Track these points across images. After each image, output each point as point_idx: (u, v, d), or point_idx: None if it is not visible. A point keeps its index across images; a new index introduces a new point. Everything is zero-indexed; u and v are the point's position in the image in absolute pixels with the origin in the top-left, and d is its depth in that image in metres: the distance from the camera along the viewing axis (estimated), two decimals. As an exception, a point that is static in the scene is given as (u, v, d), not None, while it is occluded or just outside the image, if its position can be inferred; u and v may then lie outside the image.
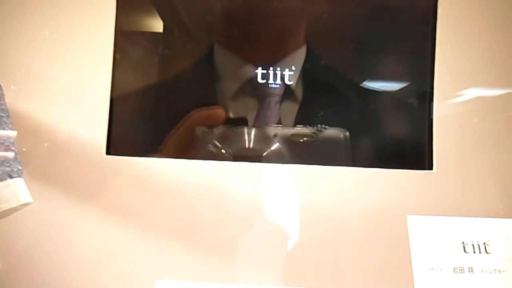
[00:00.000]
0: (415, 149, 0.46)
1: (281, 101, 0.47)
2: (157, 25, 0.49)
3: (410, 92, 0.48)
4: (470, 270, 0.39)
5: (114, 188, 0.43)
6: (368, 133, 0.47)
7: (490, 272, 0.39)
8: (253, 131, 0.46)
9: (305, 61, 0.48)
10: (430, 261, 0.39)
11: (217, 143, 0.45)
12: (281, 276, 0.43)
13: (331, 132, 0.45)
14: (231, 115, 0.47)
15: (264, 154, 0.45)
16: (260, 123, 0.46)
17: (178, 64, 0.49)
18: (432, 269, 0.39)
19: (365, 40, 0.48)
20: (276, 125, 0.47)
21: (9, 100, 0.39)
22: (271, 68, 0.47)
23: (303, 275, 0.43)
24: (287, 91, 0.47)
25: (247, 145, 0.45)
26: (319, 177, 0.44)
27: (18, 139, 0.38)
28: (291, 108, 0.48)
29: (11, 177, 0.35)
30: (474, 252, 0.39)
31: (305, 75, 0.48)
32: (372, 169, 0.44)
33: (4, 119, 0.37)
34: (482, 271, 0.39)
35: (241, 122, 0.46)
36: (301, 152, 0.45)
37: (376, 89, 0.48)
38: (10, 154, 0.36)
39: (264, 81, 0.47)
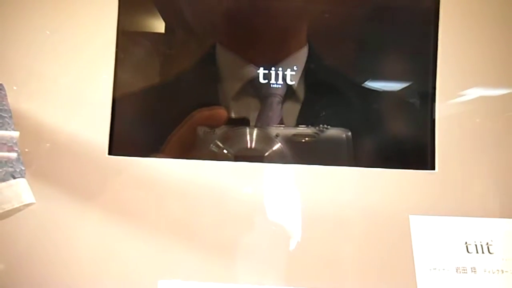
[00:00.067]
0: (417, 149, 0.46)
1: (283, 101, 0.47)
2: (159, 26, 0.49)
3: (412, 92, 0.48)
4: (473, 270, 0.39)
5: (116, 188, 0.43)
6: (370, 133, 0.47)
7: (493, 272, 0.39)
8: (255, 131, 0.46)
9: (307, 61, 0.48)
10: (433, 261, 0.39)
11: (219, 143, 0.45)
12: (283, 276, 0.43)
13: (333, 132, 0.45)
14: (233, 115, 0.47)
15: (266, 154, 0.45)
16: (262, 123, 0.46)
17: (180, 64, 0.49)
18: (435, 269, 0.39)
19: (367, 40, 0.48)
20: (278, 125, 0.47)
21: (11, 100, 0.39)
22: (273, 68, 0.47)
23: (305, 275, 0.43)
24: (289, 91, 0.47)
25: (249, 145, 0.45)
26: (321, 177, 0.44)
27: (21, 140, 0.38)
28: (293, 108, 0.48)
29: (14, 178, 0.35)
30: (477, 252, 0.39)
31: (307, 75, 0.48)
32: (374, 169, 0.44)
33: (7, 119, 0.37)
34: (485, 271, 0.39)
35: (243, 122, 0.46)
36: (303, 152, 0.45)
37: (378, 89, 0.48)
38: (13, 155, 0.36)
39: (266, 81, 0.47)
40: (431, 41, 0.46)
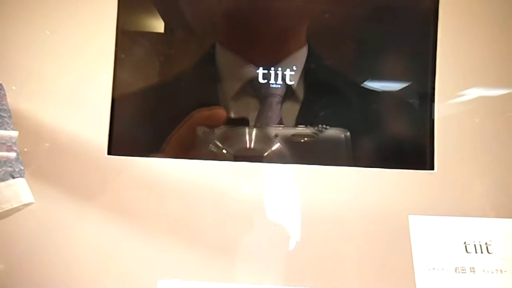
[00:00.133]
0: (416, 149, 0.46)
1: (282, 101, 0.47)
2: (158, 25, 0.49)
3: (411, 92, 0.48)
4: (472, 270, 0.39)
5: (115, 188, 0.43)
6: (369, 133, 0.47)
7: (492, 272, 0.39)
8: (254, 131, 0.46)
9: (307, 61, 0.48)
10: (432, 261, 0.39)
11: (218, 143, 0.45)
12: (282, 276, 0.43)
13: (332, 132, 0.45)
14: (232, 115, 0.47)
15: (265, 154, 0.45)
16: (261, 123, 0.46)
17: (179, 64, 0.49)
18: (434, 269, 0.39)
19: (367, 40, 0.48)
20: (277, 125, 0.47)
21: (11, 100, 0.39)
22: (272, 68, 0.47)
23: (304, 275, 0.43)
24: (288, 91, 0.47)
25: (248, 145, 0.45)
26: (320, 177, 0.44)
27: (20, 139, 0.38)
28: (292, 108, 0.48)
29: (13, 177, 0.35)
30: (476, 252, 0.39)
31: (307, 75, 0.48)
32: (373, 169, 0.44)
33: (6, 119, 0.37)
34: (484, 271, 0.39)
35: (242, 122, 0.46)
36: (302, 152, 0.45)
37: (377, 89, 0.48)
38: (12, 154, 0.36)
39: (265, 81, 0.47)
40: (430, 41, 0.46)
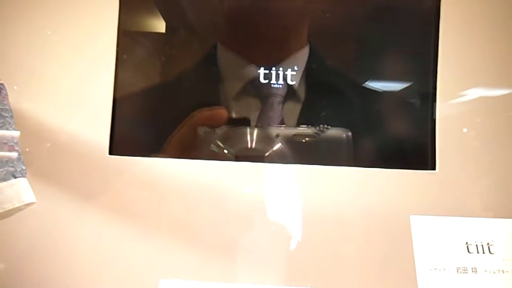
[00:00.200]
0: (418, 149, 0.46)
1: (283, 101, 0.47)
2: (159, 25, 0.49)
3: (413, 92, 0.48)
4: (474, 270, 0.39)
5: (117, 188, 0.43)
6: (370, 133, 0.47)
7: (494, 273, 0.39)
8: (255, 131, 0.46)
9: (308, 61, 0.48)
10: (434, 261, 0.39)
11: (219, 143, 0.45)
12: (283, 276, 0.43)
13: (334, 132, 0.45)
14: (233, 115, 0.47)
15: (266, 154, 0.45)
16: (262, 123, 0.46)
17: (180, 64, 0.49)
18: (436, 269, 0.39)
19: (368, 40, 0.48)
20: (279, 125, 0.47)
21: (12, 100, 0.39)
22: (273, 68, 0.47)
23: (306, 275, 0.43)
24: (290, 91, 0.47)
25: (249, 145, 0.45)
26: (322, 177, 0.44)
27: (21, 139, 0.38)
28: (294, 108, 0.48)
29: (15, 177, 0.35)
30: (478, 253, 0.39)
31: (308, 75, 0.48)
32: (374, 169, 0.44)
33: (8, 119, 0.37)
34: (485, 271, 0.39)
35: (244, 122, 0.46)
36: (303, 152, 0.45)
37: (379, 89, 0.48)
38: (14, 154, 0.36)
39: (267, 81, 0.47)
40: (431, 41, 0.46)
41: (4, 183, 0.34)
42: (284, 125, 0.47)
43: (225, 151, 0.45)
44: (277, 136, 0.45)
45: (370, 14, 0.48)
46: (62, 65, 0.45)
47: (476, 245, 0.40)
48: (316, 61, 0.48)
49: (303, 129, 0.46)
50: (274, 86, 0.47)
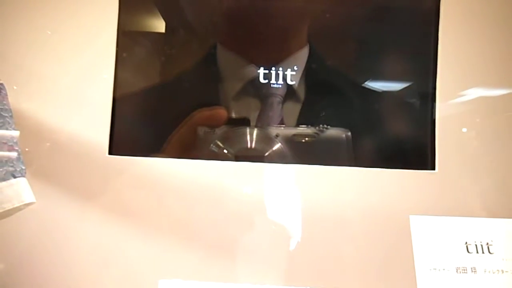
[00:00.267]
0: (417, 149, 0.46)
1: (283, 101, 0.47)
2: (159, 25, 0.49)
3: (412, 92, 0.48)
4: (473, 270, 0.39)
5: (116, 188, 0.43)
6: (370, 133, 0.47)
7: (493, 273, 0.39)
8: (255, 131, 0.46)
9: (308, 61, 0.48)
10: (433, 261, 0.39)
11: (219, 143, 0.45)
12: (283, 276, 0.43)
13: (333, 132, 0.45)
14: (233, 115, 0.47)
15: (266, 154, 0.45)
16: (262, 123, 0.46)
17: (180, 64, 0.49)
18: (435, 269, 0.39)
19: (368, 40, 0.48)
20: (278, 125, 0.47)
21: (12, 100, 0.39)
22: (273, 68, 0.47)
23: (305, 275, 0.43)
24: (290, 91, 0.47)
25: (249, 145, 0.45)
26: (321, 177, 0.44)
27: (21, 139, 0.38)
28: (294, 108, 0.48)
29: (14, 177, 0.35)
30: (477, 252, 0.39)
31: (308, 75, 0.48)
32: (374, 169, 0.44)
33: (8, 119, 0.37)
34: (485, 271, 0.39)
35: (243, 122, 0.46)
36: (303, 152, 0.45)
37: (378, 89, 0.48)
38: (13, 154, 0.36)
39: (266, 81, 0.47)
40: (431, 41, 0.46)
41: (4, 183, 0.34)
42: (283, 125, 0.47)
43: (225, 151, 0.45)
44: (277, 136, 0.45)
45: (370, 14, 0.48)
46: (62, 65, 0.45)
47: (476, 245, 0.40)
48: (316, 61, 0.48)
49: (303, 129, 0.46)
50: (274, 86, 0.47)
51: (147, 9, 0.49)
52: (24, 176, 0.36)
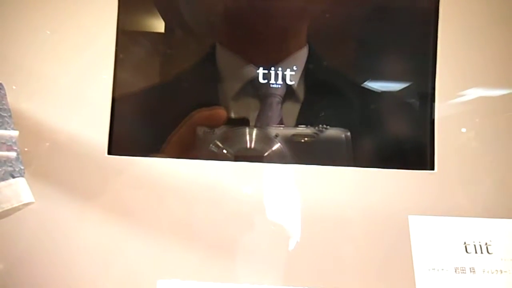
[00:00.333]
0: (417, 149, 0.46)
1: (282, 102, 0.47)
2: (158, 25, 0.49)
3: (412, 92, 0.48)
4: (472, 270, 0.39)
5: (115, 188, 0.43)
6: (369, 133, 0.47)
7: (492, 273, 0.39)
8: (254, 131, 0.46)
9: (307, 62, 0.48)
10: (432, 261, 0.39)
11: (218, 143, 0.45)
12: (282, 276, 0.43)
13: (333, 132, 0.45)
14: (232, 115, 0.47)
15: (266, 154, 0.45)
16: (261, 123, 0.46)
17: (179, 64, 0.49)
18: (434, 269, 0.39)
19: (367, 41, 0.49)
20: (278, 125, 0.47)
21: (11, 100, 0.39)
22: (272, 69, 0.47)
23: (304, 275, 0.43)
24: (289, 91, 0.47)
25: (248, 145, 0.45)
26: (321, 177, 0.44)
27: (20, 139, 0.38)
28: (293, 108, 0.48)
29: (13, 177, 0.35)
30: (476, 253, 0.39)
31: (307, 75, 0.48)
32: (373, 169, 0.44)
33: (6, 119, 0.37)
34: (483, 271, 0.39)
35: (243, 122, 0.46)
36: (302, 152, 0.45)
37: (378, 90, 0.48)
38: (12, 154, 0.36)
39: (266, 81, 0.47)
40: (430, 41, 0.46)
41: (3, 183, 0.34)
42: (283, 125, 0.47)
43: (224, 151, 0.45)
44: (276, 136, 0.45)
45: (369, 14, 0.48)
46: (61, 65, 0.45)
47: (474, 245, 0.40)
48: (315, 61, 0.48)
49: (302, 129, 0.46)
50: (273, 86, 0.47)
51: (147, 9, 0.49)
52: (23, 176, 0.36)
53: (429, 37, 0.46)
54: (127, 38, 0.46)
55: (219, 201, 0.43)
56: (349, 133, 0.45)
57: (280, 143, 0.45)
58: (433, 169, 0.44)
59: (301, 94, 0.48)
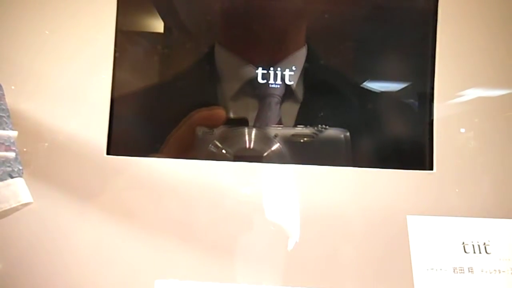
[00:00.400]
0: (415, 150, 0.46)
1: (281, 102, 0.47)
2: (157, 25, 0.49)
3: (411, 92, 0.48)
4: (470, 270, 0.39)
5: (114, 188, 0.43)
6: (368, 133, 0.47)
7: (490, 273, 0.39)
8: (253, 132, 0.46)
9: (306, 62, 0.48)
10: (430, 261, 0.39)
11: (217, 143, 0.45)
12: (281, 276, 0.43)
13: (332, 132, 0.45)
14: (231, 115, 0.47)
15: (265, 154, 0.45)
16: (260, 123, 0.46)
17: (178, 64, 0.49)
18: (432, 269, 0.39)
19: (366, 41, 0.49)
20: (277, 126, 0.47)
21: (10, 100, 0.39)
22: (271, 69, 0.47)
23: (303, 275, 0.43)
24: (288, 91, 0.47)
25: (247, 146, 0.45)
26: (320, 178, 0.44)
27: (19, 139, 0.38)
28: (292, 109, 0.48)
29: (12, 177, 0.35)
30: (474, 252, 0.39)
31: (306, 75, 0.48)
32: (372, 169, 0.44)
33: (5, 119, 0.37)
34: (482, 271, 0.39)
35: (242, 122, 0.46)
36: (301, 153, 0.45)
37: (377, 90, 0.48)
38: (11, 154, 0.36)
39: (265, 81, 0.47)
40: (429, 41, 0.46)
41: (1, 183, 0.34)
42: (282, 125, 0.47)
43: (224, 151, 0.45)
44: (276, 136, 0.45)
45: (368, 15, 0.48)
46: (60, 65, 0.45)
47: (473, 245, 0.40)
48: (314, 61, 0.48)
49: (302, 129, 0.46)
50: (272, 86, 0.47)
51: (146, 9, 0.49)
52: (21, 176, 0.36)
53: (428, 37, 0.46)
54: (126, 38, 0.46)
55: (218, 201, 0.43)
56: (348, 133, 0.45)
57: (279, 143, 0.45)
58: (432, 169, 0.44)
59: (300, 94, 0.48)
